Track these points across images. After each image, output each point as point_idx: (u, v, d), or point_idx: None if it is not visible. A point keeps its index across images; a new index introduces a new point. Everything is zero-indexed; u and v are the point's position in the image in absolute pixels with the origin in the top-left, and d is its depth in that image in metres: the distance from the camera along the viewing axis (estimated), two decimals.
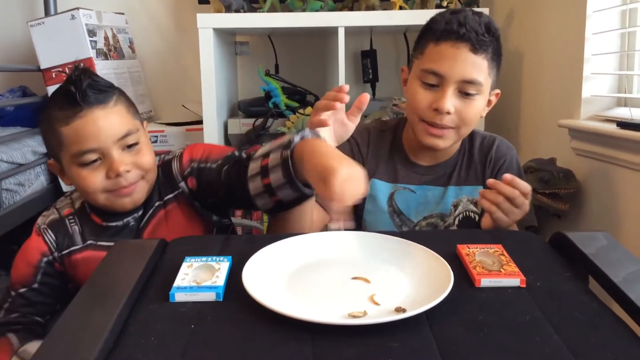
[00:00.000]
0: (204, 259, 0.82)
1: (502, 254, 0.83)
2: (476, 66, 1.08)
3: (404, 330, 0.63)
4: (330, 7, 2.03)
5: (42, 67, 1.94)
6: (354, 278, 0.79)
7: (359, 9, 2.01)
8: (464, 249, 0.85)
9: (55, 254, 1.10)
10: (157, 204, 1.13)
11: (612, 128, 1.37)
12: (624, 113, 1.45)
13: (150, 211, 1.13)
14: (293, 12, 2.02)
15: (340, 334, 0.62)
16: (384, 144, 1.23)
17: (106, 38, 2.05)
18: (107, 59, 2.02)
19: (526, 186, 0.99)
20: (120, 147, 1.03)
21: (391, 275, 0.79)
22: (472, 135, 1.23)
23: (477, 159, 1.22)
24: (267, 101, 2.10)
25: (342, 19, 1.93)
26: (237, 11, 1.95)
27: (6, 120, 2.03)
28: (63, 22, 1.91)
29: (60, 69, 1.92)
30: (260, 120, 2.07)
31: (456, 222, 1.21)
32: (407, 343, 0.61)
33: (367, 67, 2.36)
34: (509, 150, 1.22)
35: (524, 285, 0.75)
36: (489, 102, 1.18)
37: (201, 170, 1.10)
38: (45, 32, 1.92)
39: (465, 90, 1.09)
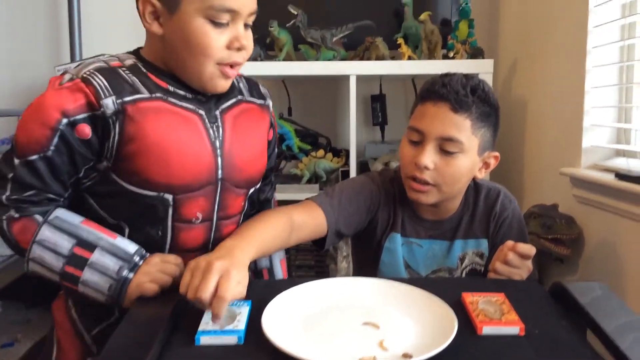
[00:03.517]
0: None
1: (504, 303, 0.89)
2: (456, 125, 1.10)
3: None
4: (342, 55, 2.13)
5: None
6: (365, 323, 0.85)
7: (370, 58, 2.10)
8: (468, 297, 0.91)
9: (108, 101, 0.90)
10: (239, 96, 1.09)
11: (610, 179, 1.43)
12: (622, 164, 1.51)
13: (234, 100, 1.07)
14: (307, 60, 2.12)
15: None
16: (398, 196, 1.26)
17: None
18: None
19: (529, 250, 1.03)
20: (246, 22, 0.98)
21: (400, 321, 0.85)
22: (476, 188, 1.25)
23: (482, 212, 1.24)
24: (280, 144, 2.18)
25: (353, 68, 2.03)
26: (254, 59, 2.04)
27: None
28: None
29: None
30: None
31: (463, 275, 1.24)
32: None
33: (376, 110, 2.44)
34: (511, 204, 1.25)
35: (523, 334, 0.81)
36: (486, 164, 1.19)
37: (272, 150, 1.19)
38: None
39: (445, 148, 1.11)
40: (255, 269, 1.21)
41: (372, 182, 1.25)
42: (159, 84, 0.97)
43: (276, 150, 1.22)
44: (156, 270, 0.94)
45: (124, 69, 0.96)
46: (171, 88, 0.98)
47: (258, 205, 1.23)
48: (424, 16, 2.05)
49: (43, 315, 2.21)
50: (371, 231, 1.25)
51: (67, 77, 0.93)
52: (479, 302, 0.90)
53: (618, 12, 1.58)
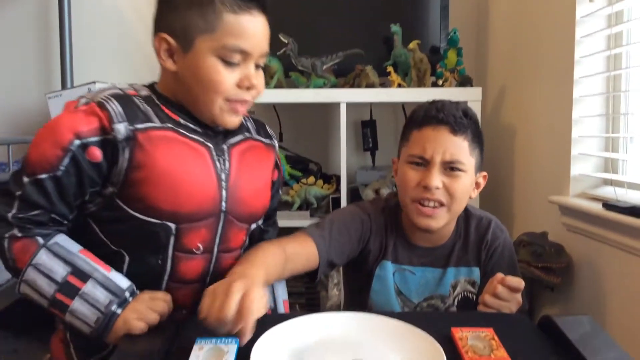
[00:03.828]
0: (213, 340, 0.87)
1: (493, 338, 0.89)
2: (457, 146, 1.15)
3: None
4: (332, 83, 2.14)
5: None
6: None
7: (360, 86, 2.11)
8: (458, 333, 0.91)
9: (121, 127, 0.92)
10: (246, 134, 1.13)
11: (598, 208, 1.44)
12: (610, 193, 1.52)
13: (241, 136, 1.10)
14: (298, 87, 2.13)
15: None
16: (389, 224, 1.27)
17: None
18: None
19: (518, 283, 1.05)
20: (257, 62, 1.01)
21: (389, 358, 0.85)
22: (467, 216, 1.28)
23: (474, 241, 1.26)
24: None
25: (343, 95, 2.05)
26: None
27: None
28: (80, 95, 2.01)
29: None
30: None
31: (455, 302, 1.26)
32: None
33: (367, 136, 2.46)
34: (502, 234, 1.27)
35: None
36: (477, 184, 1.23)
37: (276, 191, 1.22)
38: (62, 104, 2.00)
39: (450, 169, 1.16)
40: None
41: (362, 211, 1.27)
42: (170, 115, 1.00)
43: (280, 192, 1.26)
44: (145, 307, 0.94)
45: (139, 97, 0.99)
46: (182, 121, 1.01)
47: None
48: (412, 45, 2.08)
49: (30, 344, 2.17)
50: (363, 259, 1.26)
51: (83, 100, 0.96)
52: (468, 337, 0.90)
53: (604, 44, 1.60)
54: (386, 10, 2.24)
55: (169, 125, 0.98)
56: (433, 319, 0.99)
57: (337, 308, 1.99)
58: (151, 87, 1.05)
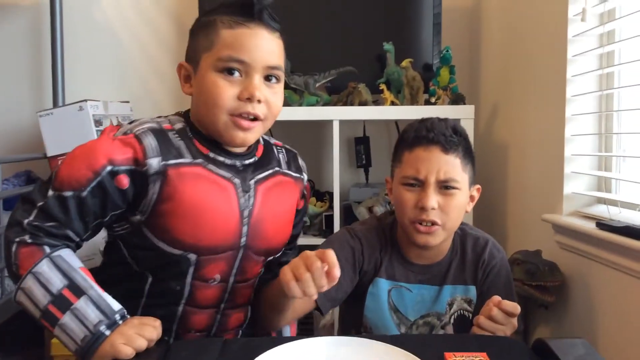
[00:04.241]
0: None
1: None
2: (450, 164, 1.16)
3: None
4: (325, 100, 2.14)
5: (49, 154, 2.03)
6: None
7: (353, 104, 2.11)
8: (451, 357, 0.90)
9: (154, 162, 0.97)
10: (276, 168, 1.14)
11: (591, 227, 1.43)
12: (603, 211, 1.52)
13: (270, 171, 1.12)
14: (291, 105, 2.13)
15: None
16: (384, 242, 1.28)
17: None
18: None
19: (514, 308, 1.04)
20: (264, 75, 1.01)
21: None
22: (464, 235, 1.28)
23: (470, 260, 1.27)
24: None
25: (336, 113, 2.05)
26: None
27: (11, 203, 2.09)
28: (71, 113, 2.01)
29: None
30: None
31: (451, 320, 1.26)
32: None
33: (360, 152, 2.46)
34: (499, 253, 1.28)
35: None
36: (472, 197, 1.25)
37: (300, 219, 1.25)
38: (53, 122, 2.02)
39: (444, 188, 1.16)
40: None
41: (352, 237, 1.27)
42: (200, 149, 1.03)
43: (304, 219, 1.30)
44: (133, 332, 0.93)
45: (174, 132, 1.03)
46: (211, 154, 1.04)
47: (277, 268, 1.20)
48: (405, 63, 2.08)
49: None
50: (358, 279, 1.26)
51: (122, 130, 1.00)
52: None
53: (596, 63, 1.61)
54: (379, 28, 2.25)
55: (199, 160, 1.02)
56: (425, 343, 0.98)
57: (330, 326, 1.97)
58: (186, 117, 1.08)
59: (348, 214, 2.16)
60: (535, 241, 1.78)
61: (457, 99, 2.05)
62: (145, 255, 1.04)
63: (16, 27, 2.50)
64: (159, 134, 1.00)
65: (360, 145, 2.46)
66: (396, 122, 2.42)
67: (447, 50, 2.07)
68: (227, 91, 0.98)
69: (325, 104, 2.14)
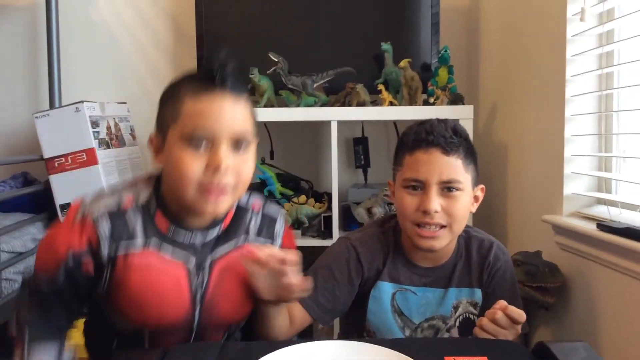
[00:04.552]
0: None
1: None
2: (451, 166, 1.15)
3: None
4: (323, 101, 2.13)
5: (45, 156, 2.01)
6: None
7: (351, 104, 2.10)
8: None
9: (105, 249, 1.00)
10: (243, 237, 1.11)
11: (592, 229, 1.42)
12: (603, 212, 1.51)
13: (233, 244, 1.10)
14: (288, 105, 2.12)
15: None
16: (386, 246, 1.27)
17: (108, 127, 2.13)
18: (109, 148, 2.09)
19: (519, 316, 1.04)
20: (231, 144, 0.98)
21: None
22: (469, 237, 1.28)
23: (476, 262, 1.26)
24: (262, 189, 2.16)
25: (334, 114, 2.04)
26: None
27: (7, 205, 2.08)
28: (68, 114, 1.99)
29: (63, 159, 1.99)
30: None
31: (457, 323, 1.25)
32: None
33: (359, 153, 2.44)
34: (504, 256, 1.28)
35: None
36: (476, 198, 1.24)
37: None
38: (50, 124, 2.00)
39: (446, 190, 1.16)
40: None
41: (346, 248, 1.27)
42: (159, 227, 1.03)
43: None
44: None
45: (134, 208, 1.03)
46: (171, 232, 1.04)
47: None
48: (403, 63, 2.07)
49: None
50: (360, 286, 1.26)
51: (79, 214, 1.00)
52: None
53: (595, 62, 1.60)
54: (377, 28, 2.24)
55: (153, 243, 1.02)
56: (426, 347, 0.97)
57: (328, 329, 1.96)
58: (157, 186, 1.06)
59: (347, 215, 2.15)
60: (535, 242, 1.77)
61: (455, 99, 2.04)
62: (108, 321, 1.07)
63: (12, 27, 2.48)
64: (115, 216, 1.01)
65: (358, 145, 2.45)
66: (395, 122, 2.41)
67: (446, 50, 2.06)
68: (194, 164, 0.96)
69: (323, 105, 2.13)
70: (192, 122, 0.96)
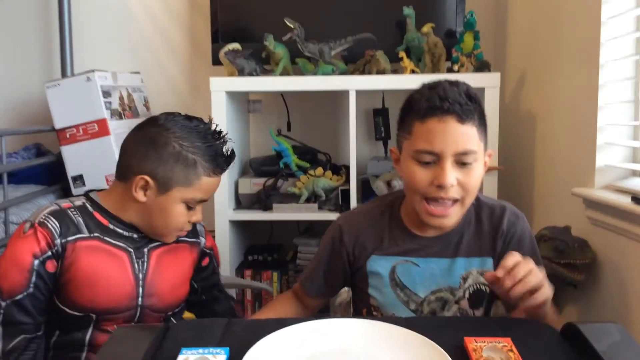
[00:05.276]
0: (200, 350, 0.80)
1: (511, 350, 0.81)
2: (466, 136, 1.07)
3: None
4: (341, 69, 2.06)
5: (57, 127, 1.97)
6: None
7: (370, 73, 2.02)
8: (471, 343, 0.83)
9: (58, 241, 1.13)
10: None
11: (626, 202, 1.34)
12: (638, 185, 1.43)
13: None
14: (305, 75, 2.04)
15: None
16: (383, 222, 1.22)
17: (121, 98, 2.08)
18: (122, 119, 2.05)
19: (512, 259, 0.97)
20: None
21: None
22: (479, 205, 1.21)
23: (487, 230, 1.19)
24: (278, 161, 2.10)
25: (353, 83, 1.96)
26: (250, 74, 1.97)
27: (19, 177, 2.06)
28: (79, 84, 1.95)
29: (74, 130, 1.95)
30: (271, 181, 2.07)
31: (466, 295, 1.18)
32: None
33: (379, 125, 2.37)
34: (519, 220, 1.20)
35: None
36: (485, 164, 1.16)
37: (211, 272, 1.39)
38: (61, 94, 1.96)
39: (462, 161, 1.08)
40: None
41: (331, 229, 1.28)
42: (100, 221, 1.19)
43: (217, 272, 1.43)
44: None
45: (73, 209, 1.18)
46: (111, 226, 1.20)
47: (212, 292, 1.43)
48: (426, 28, 1.98)
49: None
50: (357, 261, 1.24)
51: (27, 225, 1.13)
52: (483, 349, 0.81)
53: (632, 25, 1.49)
54: None
55: (96, 234, 1.17)
56: (443, 327, 0.91)
57: (346, 305, 1.91)
58: (87, 196, 1.23)
59: (365, 188, 2.08)
60: (565, 216, 1.69)
61: (481, 66, 1.95)
62: (54, 317, 1.17)
63: None
64: (59, 214, 1.15)
65: (378, 117, 2.37)
66: None
67: (472, 15, 1.96)
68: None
69: (342, 73, 2.05)
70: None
